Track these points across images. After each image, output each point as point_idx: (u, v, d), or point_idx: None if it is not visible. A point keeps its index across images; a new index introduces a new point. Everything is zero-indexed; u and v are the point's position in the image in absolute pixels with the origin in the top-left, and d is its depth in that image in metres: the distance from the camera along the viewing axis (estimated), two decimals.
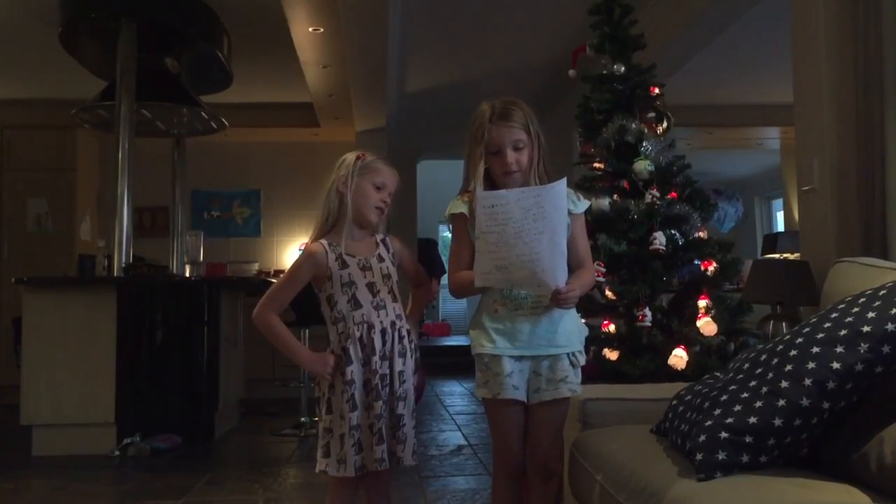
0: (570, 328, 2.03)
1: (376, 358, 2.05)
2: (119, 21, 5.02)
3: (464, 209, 2.02)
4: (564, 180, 1.91)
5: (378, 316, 2.08)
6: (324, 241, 2.10)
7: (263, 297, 2.11)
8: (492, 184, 2.03)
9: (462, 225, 2.04)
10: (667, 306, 3.37)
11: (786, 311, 3.00)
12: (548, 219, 1.84)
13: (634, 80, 3.50)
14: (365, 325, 2.07)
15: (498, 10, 5.27)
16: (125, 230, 4.94)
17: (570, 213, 1.99)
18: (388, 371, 2.07)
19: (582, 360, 2.05)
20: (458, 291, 2.09)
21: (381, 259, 2.15)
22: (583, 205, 2.07)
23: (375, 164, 2.15)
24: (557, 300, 1.91)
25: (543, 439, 2.03)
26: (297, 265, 2.11)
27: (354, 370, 2.05)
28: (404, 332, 2.13)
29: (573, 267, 1.99)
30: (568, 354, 2.01)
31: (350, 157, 2.16)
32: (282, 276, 2.16)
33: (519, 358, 1.99)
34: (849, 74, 2.77)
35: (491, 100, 2.04)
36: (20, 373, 4.47)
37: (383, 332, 2.08)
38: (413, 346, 2.17)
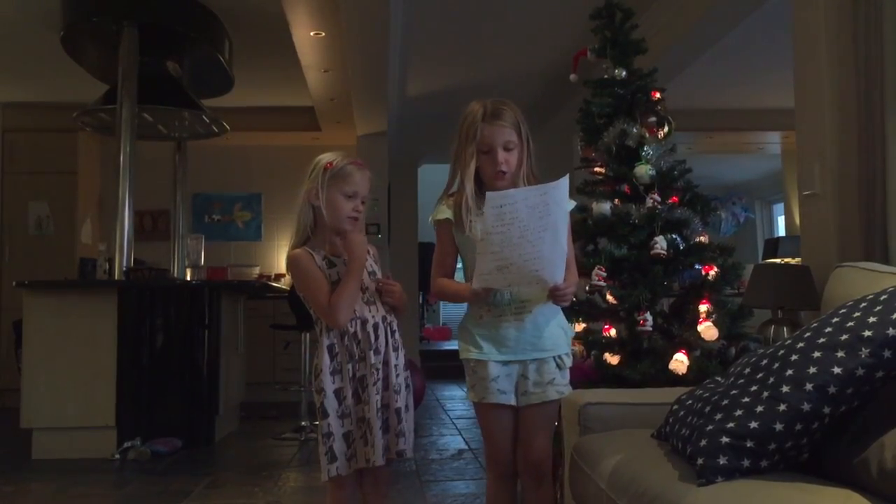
0: (556, 331, 2.04)
1: (371, 352, 2.06)
2: (121, 24, 5.04)
3: (448, 214, 2.03)
4: (567, 176, 1.91)
5: (370, 311, 2.10)
6: (305, 248, 2.10)
7: (317, 313, 2.08)
8: (479, 184, 2.03)
9: (447, 231, 2.04)
10: (668, 311, 3.36)
11: (787, 315, 3.00)
12: (551, 216, 1.83)
13: (635, 85, 3.50)
14: (358, 321, 2.07)
15: (499, 14, 5.27)
16: (126, 233, 4.94)
17: None
18: (381, 365, 2.08)
19: (569, 361, 2.06)
20: (439, 297, 2.10)
21: None
22: (569, 204, 2.08)
23: (345, 170, 2.10)
24: (556, 296, 1.92)
25: (534, 442, 2.04)
26: (302, 270, 2.09)
27: (325, 378, 2.06)
28: (395, 327, 2.14)
29: None
30: (554, 357, 2.02)
31: (321, 162, 2.13)
32: (305, 288, 2.10)
33: (506, 362, 2.00)
34: (850, 79, 2.78)
35: (481, 100, 2.04)
36: (21, 376, 4.47)
37: (375, 326, 2.09)
38: (401, 341, 2.17)
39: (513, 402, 2.01)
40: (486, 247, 1.85)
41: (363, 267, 2.06)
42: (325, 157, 2.14)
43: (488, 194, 1.85)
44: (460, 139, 2.02)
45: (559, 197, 1.86)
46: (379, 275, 2.16)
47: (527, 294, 1.98)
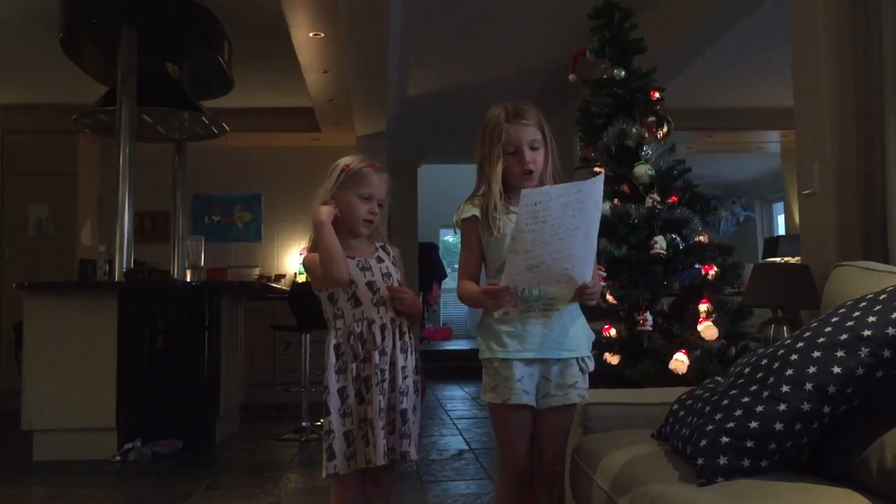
0: (580, 332, 2.03)
1: (376, 353, 2.05)
2: (120, 26, 5.03)
3: (476, 212, 2.01)
4: (602, 175, 1.89)
5: (378, 312, 2.09)
6: None
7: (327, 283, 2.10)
8: (505, 186, 2.02)
9: (473, 229, 2.02)
10: (668, 310, 3.37)
11: (787, 315, 3.00)
12: (584, 213, 1.81)
13: (635, 85, 3.50)
14: (365, 322, 2.07)
15: (498, 14, 5.27)
16: (126, 235, 4.94)
17: None
18: (386, 366, 2.07)
19: (591, 365, 2.04)
20: (463, 302, 2.08)
21: (380, 260, 2.16)
22: None
23: (361, 173, 2.11)
24: (584, 294, 1.91)
25: (551, 444, 2.03)
26: (314, 268, 2.10)
27: (330, 376, 2.06)
28: (405, 329, 2.13)
29: None
30: (577, 360, 2.01)
31: (339, 165, 2.14)
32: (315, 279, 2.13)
33: (529, 362, 1.97)
34: (849, 78, 2.78)
35: (500, 104, 2.03)
36: (21, 378, 4.47)
37: (383, 327, 2.08)
38: (413, 343, 2.17)
39: (534, 402, 1.99)
40: (517, 245, 1.82)
41: (321, 229, 2.04)
42: (344, 160, 2.15)
43: (523, 192, 1.81)
44: (484, 143, 2.02)
45: (594, 194, 1.83)
46: (396, 277, 2.16)
47: (554, 291, 1.96)
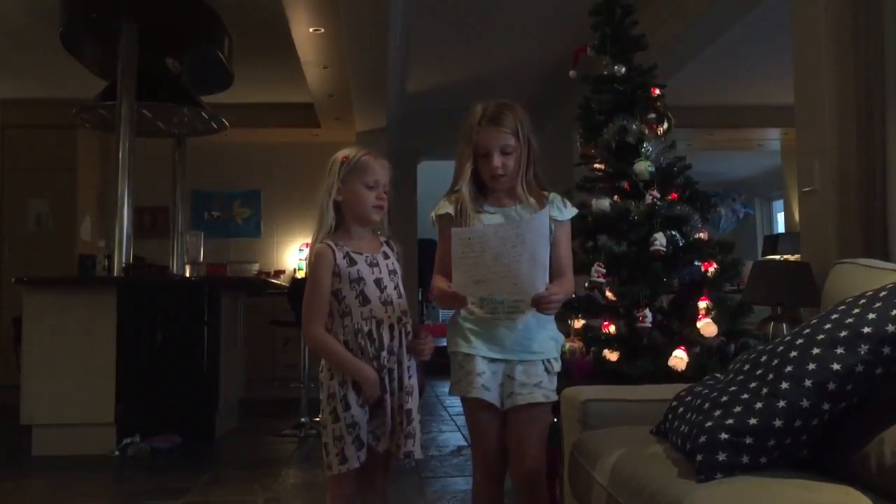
0: (546, 336, 2.04)
1: (384, 353, 2.06)
2: (120, 21, 5.03)
3: (450, 209, 2.04)
4: (546, 212, 1.93)
5: (386, 311, 2.08)
6: (329, 241, 2.09)
7: (304, 316, 2.10)
8: (480, 184, 2.04)
9: (447, 226, 2.03)
10: (667, 307, 3.36)
11: (786, 312, 3.00)
12: (527, 244, 1.84)
13: (635, 81, 3.49)
14: (374, 321, 2.07)
15: (499, 10, 5.27)
16: (125, 230, 4.94)
17: (554, 219, 1.98)
18: (395, 366, 2.08)
19: (557, 366, 2.06)
20: (433, 296, 2.10)
21: (386, 256, 2.16)
22: (569, 212, 2.07)
23: (361, 162, 2.11)
24: (540, 304, 1.91)
25: (522, 445, 2.03)
26: (315, 272, 2.08)
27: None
28: (409, 328, 2.14)
29: (553, 275, 1.97)
30: (543, 361, 2.02)
31: (338, 158, 2.13)
32: (307, 289, 2.11)
33: (493, 360, 2.00)
34: (850, 76, 2.77)
35: (486, 101, 2.04)
36: (20, 373, 4.47)
37: (391, 327, 2.08)
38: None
39: (496, 401, 2.01)
40: (459, 266, 1.87)
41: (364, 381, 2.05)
42: (340, 153, 2.15)
43: (453, 231, 1.89)
44: (461, 141, 2.04)
45: (535, 228, 1.86)
46: (400, 273, 2.17)
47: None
